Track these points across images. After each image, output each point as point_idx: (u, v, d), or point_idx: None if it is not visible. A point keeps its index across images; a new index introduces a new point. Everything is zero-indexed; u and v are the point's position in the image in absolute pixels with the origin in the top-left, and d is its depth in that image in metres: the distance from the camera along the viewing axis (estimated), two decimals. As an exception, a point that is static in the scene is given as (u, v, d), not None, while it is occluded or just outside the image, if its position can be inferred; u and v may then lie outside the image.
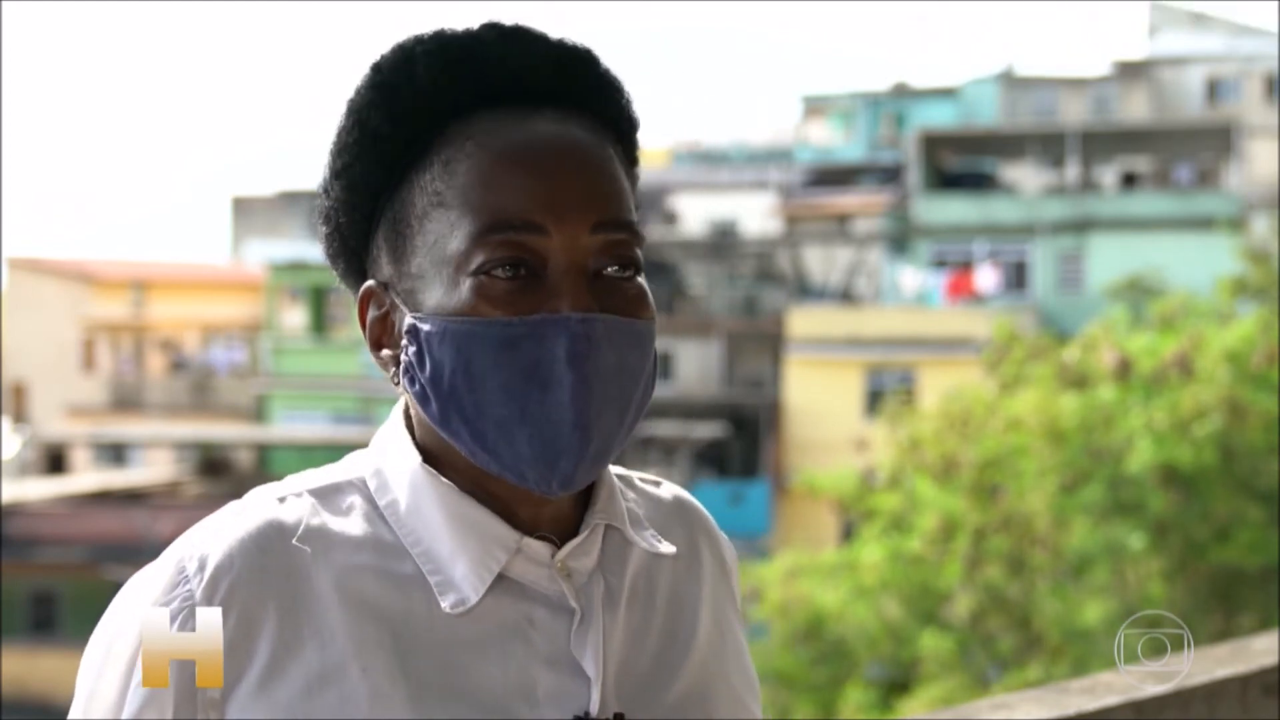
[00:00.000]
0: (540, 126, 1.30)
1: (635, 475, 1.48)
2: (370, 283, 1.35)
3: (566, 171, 1.29)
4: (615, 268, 1.30)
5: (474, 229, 1.27)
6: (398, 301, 1.32)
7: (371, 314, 1.35)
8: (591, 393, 1.26)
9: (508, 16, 1.36)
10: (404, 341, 1.31)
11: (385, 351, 1.34)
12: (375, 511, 1.33)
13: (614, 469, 1.43)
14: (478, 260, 1.26)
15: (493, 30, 1.33)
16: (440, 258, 1.28)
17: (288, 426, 36.47)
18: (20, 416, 40.03)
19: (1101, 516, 14.45)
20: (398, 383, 1.33)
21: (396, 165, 1.32)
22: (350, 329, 38.08)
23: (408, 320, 1.30)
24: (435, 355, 1.28)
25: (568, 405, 1.25)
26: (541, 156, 1.29)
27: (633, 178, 1.37)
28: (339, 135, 1.34)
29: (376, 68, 1.34)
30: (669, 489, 1.50)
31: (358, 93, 1.34)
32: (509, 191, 1.27)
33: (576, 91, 1.34)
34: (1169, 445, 14.25)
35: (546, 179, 1.28)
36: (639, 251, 1.32)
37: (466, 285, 1.27)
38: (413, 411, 1.36)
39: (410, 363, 1.30)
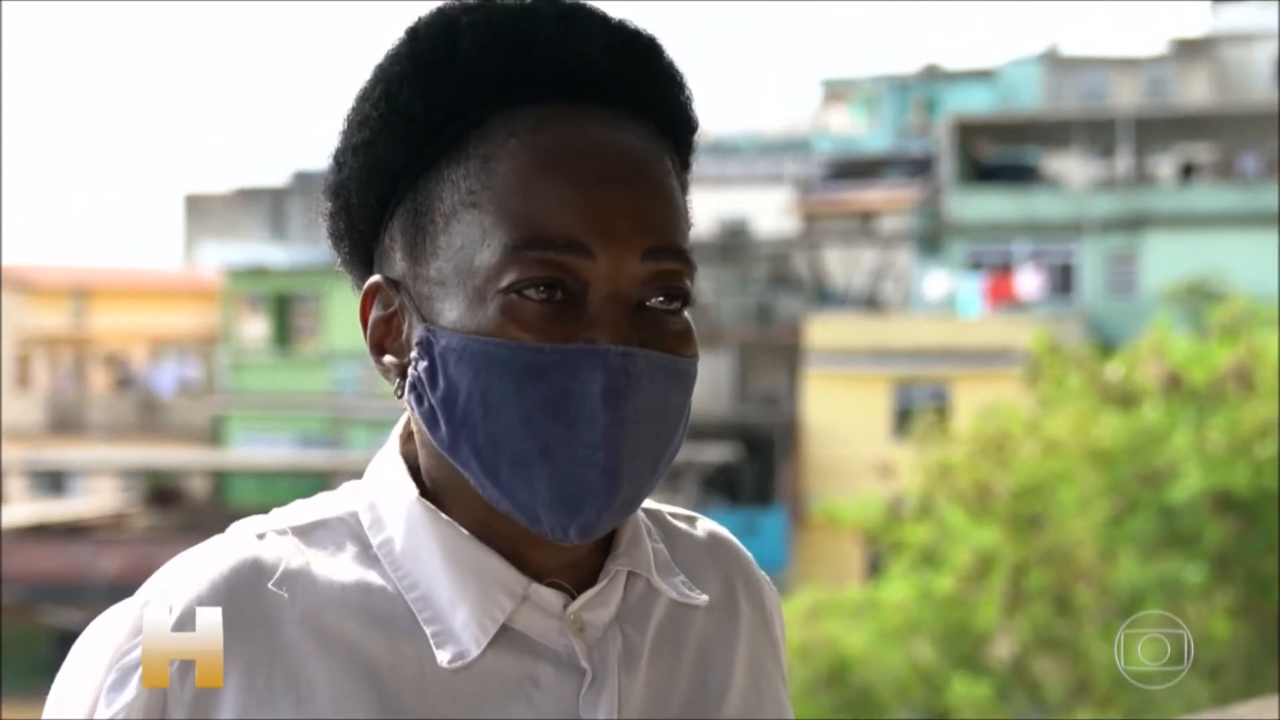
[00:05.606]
0: (593, 129, 1.27)
1: (666, 510, 1.46)
2: (378, 278, 1.31)
3: (620, 187, 1.26)
4: (661, 299, 1.27)
5: (510, 241, 1.24)
6: (410, 305, 1.29)
7: (375, 313, 1.31)
8: (626, 435, 1.23)
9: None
10: (414, 354, 1.28)
11: (388, 358, 1.31)
12: (367, 551, 1.31)
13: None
14: (510, 277, 1.23)
15: (549, 8, 1.30)
16: (466, 266, 1.25)
17: (247, 450, 36.46)
18: (-53, 440, 40.01)
19: (1152, 549, 14.39)
20: (401, 395, 1.30)
21: (424, 150, 1.29)
22: (317, 341, 38.12)
23: (420, 331, 1.27)
24: (450, 375, 1.25)
25: (598, 446, 1.22)
26: (592, 166, 1.25)
27: (684, 186, 1.34)
28: (361, 103, 1.31)
29: (413, 33, 1.30)
30: (704, 526, 1.48)
31: (389, 59, 1.30)
32: (553, 203, 1.24)
33: (635, 85, 1.31)
34: (1222, 469, 14.16)
35: (596, 194, 1.25)
36: (689, 282, 1.28)
37: (494, 303, 1.24)
38: (416, 433, 1.33)
39: (419, 378, 1.27)
